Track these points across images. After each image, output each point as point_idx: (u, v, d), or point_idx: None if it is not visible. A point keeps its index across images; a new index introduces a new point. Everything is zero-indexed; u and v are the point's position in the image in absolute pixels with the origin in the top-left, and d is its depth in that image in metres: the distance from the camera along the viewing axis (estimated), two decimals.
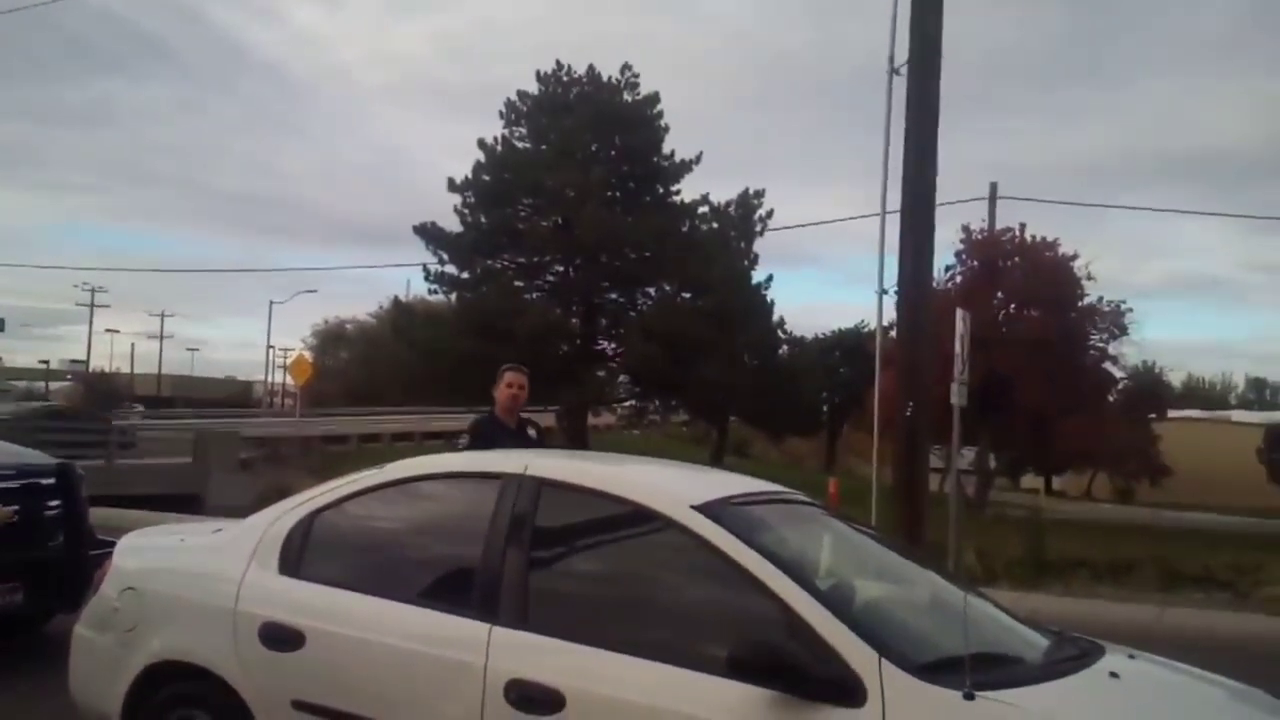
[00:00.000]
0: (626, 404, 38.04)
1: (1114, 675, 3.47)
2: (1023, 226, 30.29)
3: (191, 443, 24.72)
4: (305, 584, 4.00)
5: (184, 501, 18.60)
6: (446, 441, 35.41)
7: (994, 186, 30.61)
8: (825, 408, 50.48)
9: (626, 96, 34.87)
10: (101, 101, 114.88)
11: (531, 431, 6.76)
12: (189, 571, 4.32)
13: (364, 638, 3.75)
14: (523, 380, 6.73)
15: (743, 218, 35.07)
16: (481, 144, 34.08)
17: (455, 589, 3.79)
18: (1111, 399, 33.52)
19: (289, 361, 40.44)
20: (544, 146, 34.17)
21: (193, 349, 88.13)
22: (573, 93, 34.69)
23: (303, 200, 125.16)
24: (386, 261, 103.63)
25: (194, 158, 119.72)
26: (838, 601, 3.40)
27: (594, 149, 34.16)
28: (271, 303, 63.60)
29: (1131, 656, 3.84)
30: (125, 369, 76.35)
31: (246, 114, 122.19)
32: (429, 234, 33.74)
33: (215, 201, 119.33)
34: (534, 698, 3.38)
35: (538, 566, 3.69)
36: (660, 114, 34.89)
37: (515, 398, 6.69)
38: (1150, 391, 37.79)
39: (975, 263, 29.88)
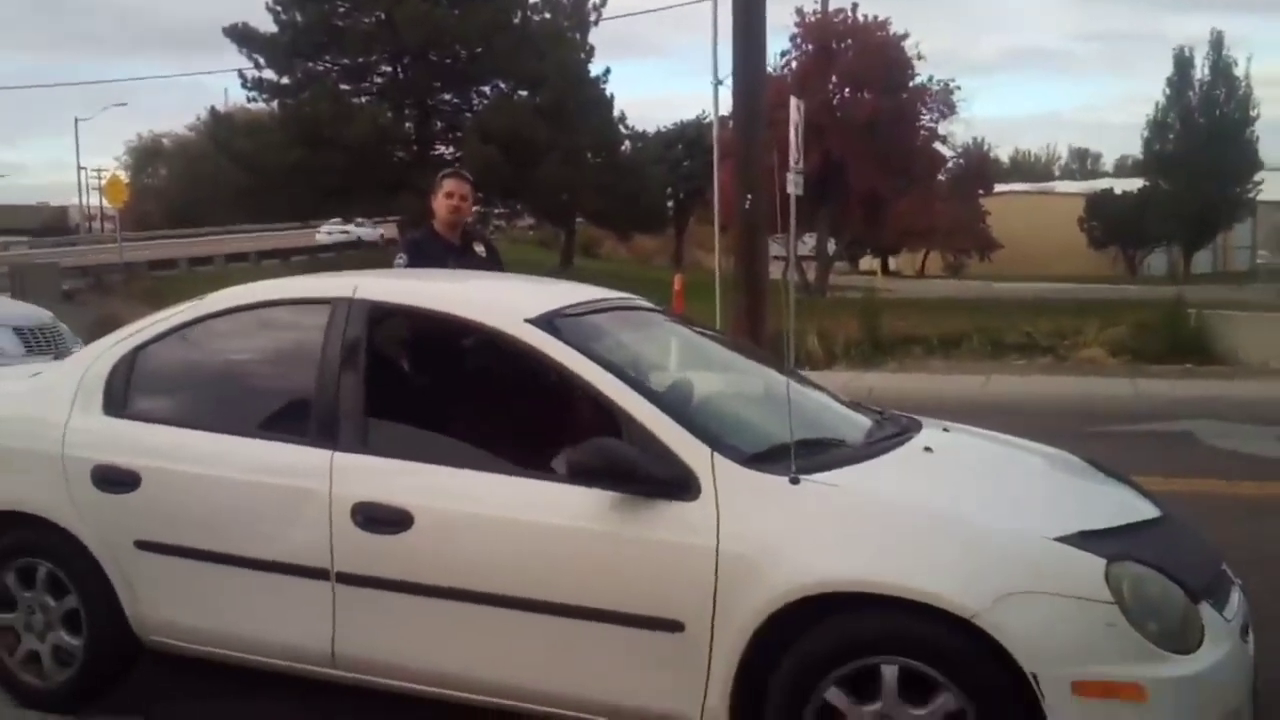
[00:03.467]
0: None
1: (928, 449, 3.71)
2: (855, 7, 30.30)
3: (6, 276, 23.34)
4: (134, 423, 3.91)
5: None
6: (282, 261, 34.47)
7: None
8: (671, 203, 50.65)
9: None
10: None
11: (479, 249, 5.69)
12: (8, 418, 4.16)
13: (202, 473, 3.71)
14: (465, 189, 5.61)
15: (576, 7, 34.00)
16: None
17: (291, 418, 3.76)
18: (941, 178, 34.59)
19: (104, 183, 37.92)
20: None
21: None
22: None
23: (105, 2, 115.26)
24: (201, 68, 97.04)
25: None
26: (673, 402, 3.52)
27: None
28: (77, 119, 59.00)
29: (945, 430, 4.10)
30: None
31: None
32: (241, 36, 31.64)
33: (4, 9, 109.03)
34: (381, 518, 3.43)
35: (375, 390, 3.68)
36: None
37: (457, 209, 5.56)
38: (978, 168, 39.02)
39: (809, 46, 29.89)
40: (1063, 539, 3.03)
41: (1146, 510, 3.61)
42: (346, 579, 3.51)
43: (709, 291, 13.96)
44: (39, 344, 8.79)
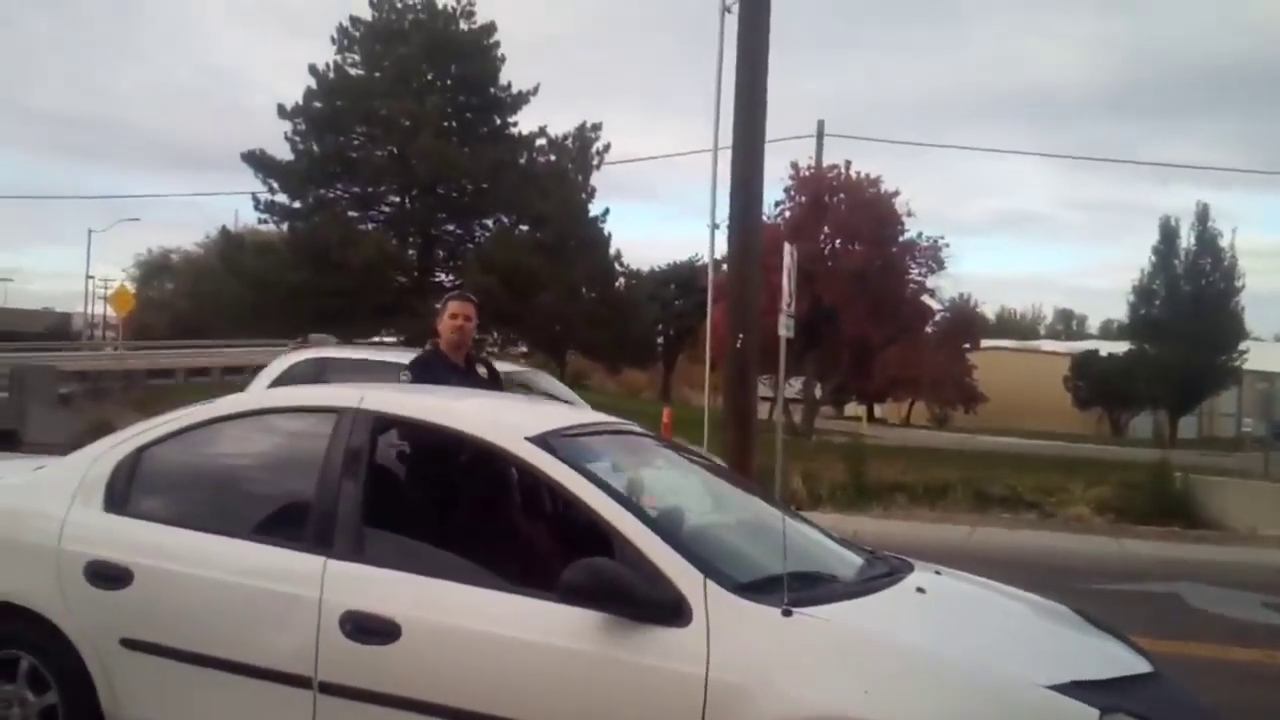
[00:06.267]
0: None
1: (920, 590, 3.70)
2: (848, 164, 31.12)
3: (7, 377, 23.28)
4: (132, 521, 3.91)
5: None
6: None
7: (821, 124, 31.37)
8: (661, 339, 51.15)
9: (462, 25, 34.24)
10: None
11: (482, 370, 5.77)
12: (9, 510, 4.17)
13: (195, 573, 3.70)
14: (470, 311, 5.67)
15: (580, 151, 34.95)
16: (313, 70, 32.94)
17: (289, 523, 3.77)
18: (929, 330, 34.94)
19: (110, 293, 38.47)
20: (378, 74, 33.29)
21: (6, 279, 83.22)
22: (407, 19, 33.85)
23: (126, 123, 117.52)
24: (214, 189, 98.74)
25: (4, 75, 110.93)
26: (666, 527, 3.53)
27: (429, 78, 33.49)
28: (90, 231, 60.06)
29: (938, 573, 4.09)
30: None
31: (65, 28, 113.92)
32: (258, 162, 32.52)
33: (30, 122, 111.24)
34: (369, 628, 3.41)
35: (373, 499, 3.70)
36: (497, 44, 34.43)
37: (461, 330, 5.62)
38: (965, 323, 39.51)
39: (803, 198, 30.57)
40: (1055, 687, 3.01)
41: (1139, 664, 3.59)
42: (329, 689, 3.47)
43: (696, 427, 13.99)
44: None
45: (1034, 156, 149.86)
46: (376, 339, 43.90)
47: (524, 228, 33.92)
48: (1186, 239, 46.92)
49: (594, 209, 36.17)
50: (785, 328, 12.13)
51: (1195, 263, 46.57)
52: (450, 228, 35.13)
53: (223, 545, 3.75)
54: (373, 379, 9.03)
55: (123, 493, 3.99)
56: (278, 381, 9.57)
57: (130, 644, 3.75)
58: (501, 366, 10.02)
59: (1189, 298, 45.48)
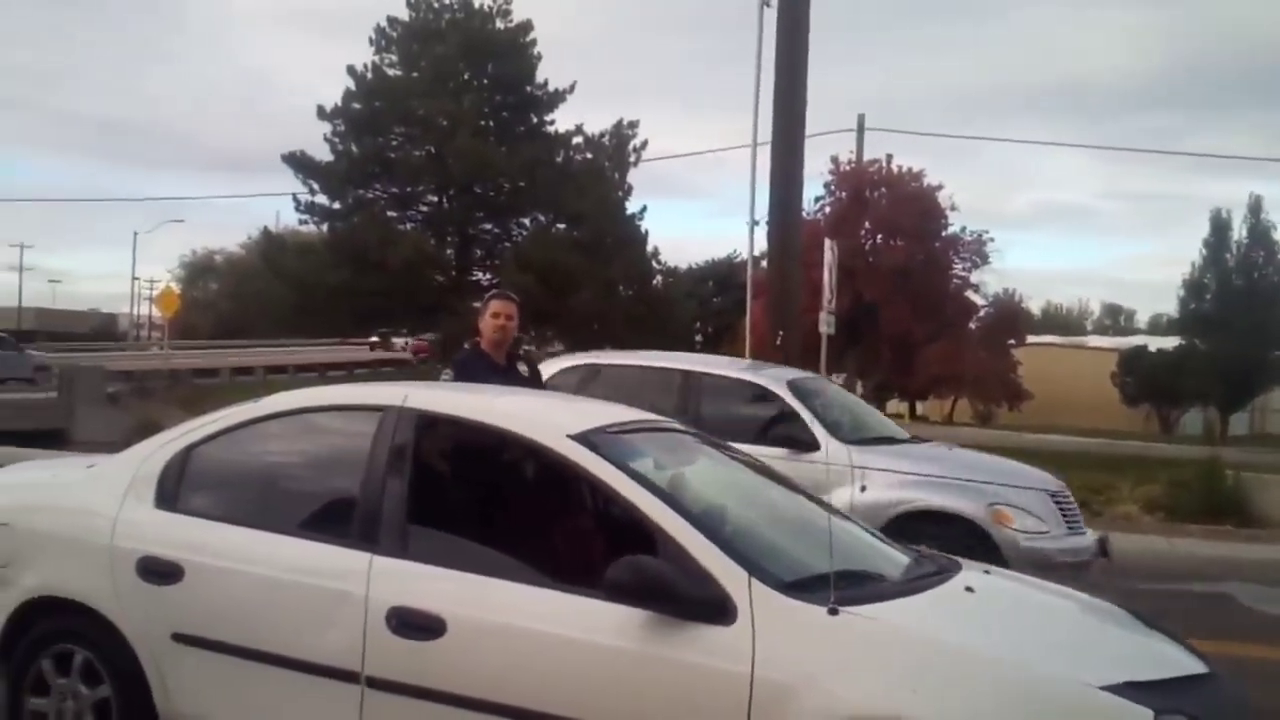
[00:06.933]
0: None
1: (969, 589, 3.66)
2: (889, 158, 30.92)
3: (56, 377, 23.72)
4: (183, 518, 3.98)
5: (49, 437, 17.92)
6: (320, 375, 34.95)
7: (861, 118, 31.10)
8: (699, 337, 51.03)
9: (499, 24, 34.36)
10: None
11: (523, 368, 5.82)
12: (63, 507, 4.25)
13: (244, 569, 3.75)
14: (511, 310, 5.74)
15: (617, 148, 34.93)
16: (351, 71, 33.23)
17: (335, 520, 3.81)
18: (973, 326, 34.63)
19: (155, 294, 39.27)
20: (415, 74, 33.51)
21: (55, 281, 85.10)
22: (444, 19, 34.01)
23: (169, 126, 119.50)
24: (256, 191, 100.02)
25: (53, 81, 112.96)
26: (710, 524, 3.51)
27: (466, 77, 33.65)
28: (136, 233, 61.19)
29: (986, 572, 4.05)
30: None
31: (109, 35, 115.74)
32: (298, 163, 32.82)
33: (75, 127, 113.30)
34: (415, 624, 3.44)
35: (418, 496, 3.72)
36: (533, 42, 34.52)
37: (503, 329, 5.69)
38: (1010, 318, 39.05)
39: (843, 193, 30.44)
40: (1108, 688, 2.97)
41: (1194, 665, 3.52)
42: (376, 684, 3.51)
43: None
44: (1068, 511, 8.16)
45: (1079, 149, 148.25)
46: (415, 338, 44.18)
47: (561, 226, 34.03)
48: (1238, 231, 45.87)
49: (631, 206, 36.15)
50: (826, 324, 12.10)
51: (1247, 256, 45.47)
52: (487, 227, 35.33)
53: (271, 542, 3.80)
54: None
55: (173, 490, 4.06)
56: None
57: (181, 638, 3.82)
58: (785, 374, 8.73)
59: (1241, 291, 44.45)
